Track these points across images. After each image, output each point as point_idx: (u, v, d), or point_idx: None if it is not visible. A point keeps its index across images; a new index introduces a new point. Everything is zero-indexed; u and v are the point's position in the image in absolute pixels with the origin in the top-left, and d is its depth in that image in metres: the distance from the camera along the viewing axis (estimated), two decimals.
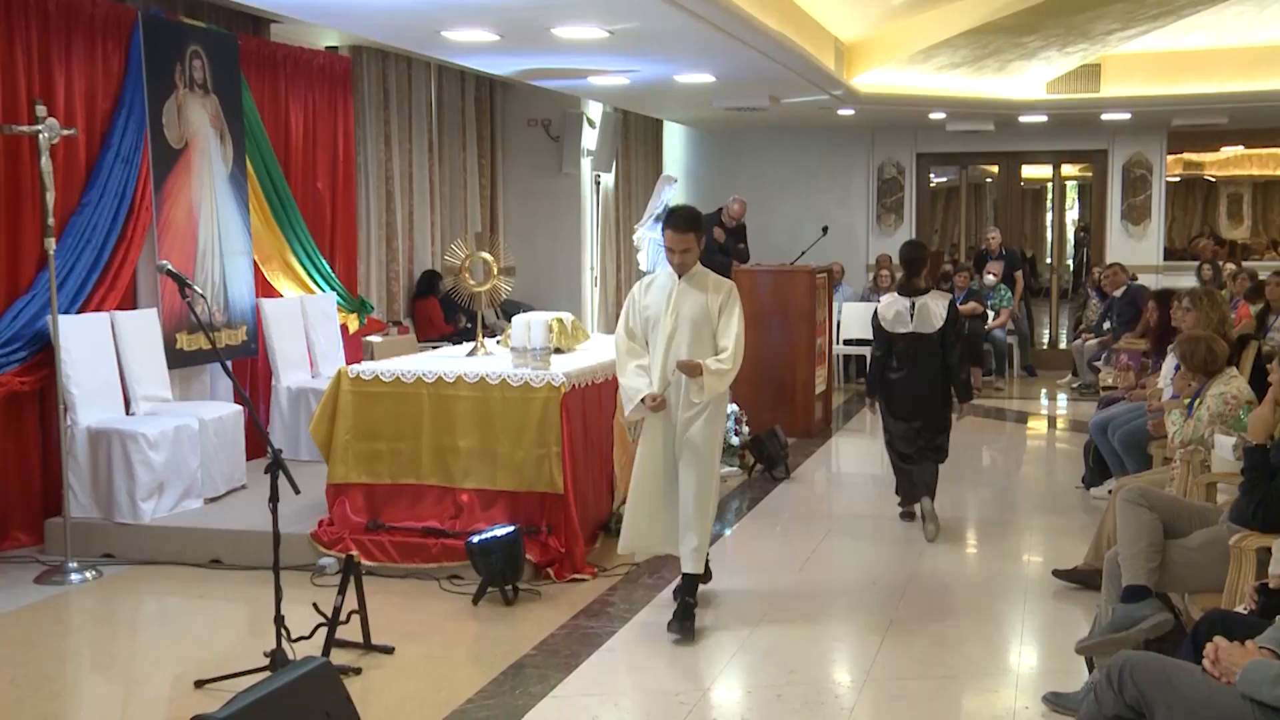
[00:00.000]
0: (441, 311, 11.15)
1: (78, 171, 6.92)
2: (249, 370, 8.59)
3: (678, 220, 5.32)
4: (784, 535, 7.26)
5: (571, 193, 12.73)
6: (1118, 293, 12.46)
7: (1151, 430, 6.71)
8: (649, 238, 11.40)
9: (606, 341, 7.61)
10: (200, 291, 6.31)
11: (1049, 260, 18.87)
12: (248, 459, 7.61)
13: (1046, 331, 16.77)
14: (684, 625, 5.22)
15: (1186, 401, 5.81)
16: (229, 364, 7.21)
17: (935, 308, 7.04)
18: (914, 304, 7.03)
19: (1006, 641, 5.35)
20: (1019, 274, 14.24)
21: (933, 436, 7.14)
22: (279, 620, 4.58)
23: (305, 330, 8.81)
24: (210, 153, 7.85)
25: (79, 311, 6.78)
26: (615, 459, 6.90)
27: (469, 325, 10.24)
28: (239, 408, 7.48)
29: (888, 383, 7.16)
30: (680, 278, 5.40)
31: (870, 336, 7.33)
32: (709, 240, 11.96)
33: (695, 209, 5.48)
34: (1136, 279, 13.07)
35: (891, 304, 7.11)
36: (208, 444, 7.10)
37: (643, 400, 5.33)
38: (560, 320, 7.30)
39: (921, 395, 7.06)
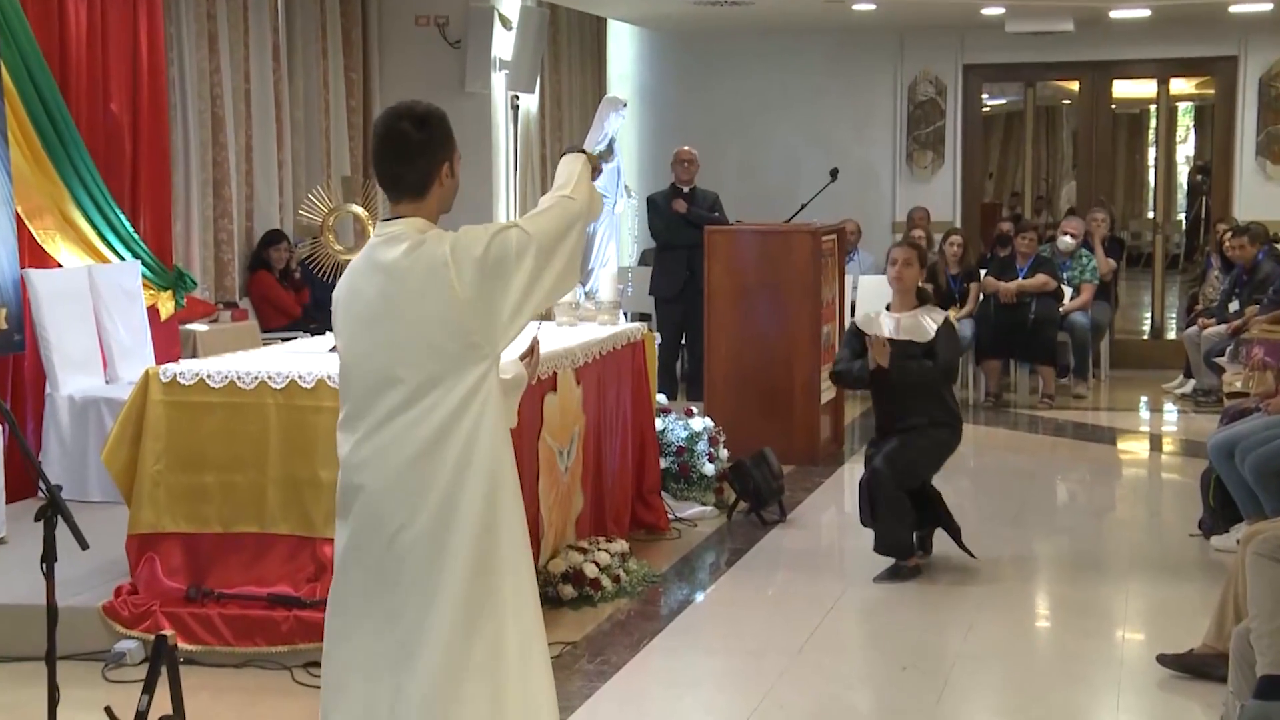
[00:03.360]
0: (282, 291, 11.08)
1: None
2: (10, 372, 8.49)
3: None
4: (778, 601, 7.25)
5: (479, 120, 12.66)
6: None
7: None
8: None
9: (528, 329, 7.56)
10: None
11: (1151, 215, 19.05)
12: (8, 501, 7.50)
13: (1147, 315, 16.91)
14: None
15: None
16: None
17: (926, 322, 7.61)
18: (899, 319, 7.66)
19: None
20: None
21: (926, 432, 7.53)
22: None
23: (95, 315, 8.71)
24: None
25: None
26: (541, 494, 6.88)
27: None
28: None
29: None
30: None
31: None
32: (670, 216, 12.07)
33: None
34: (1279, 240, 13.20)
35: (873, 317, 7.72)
36: None
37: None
38: None
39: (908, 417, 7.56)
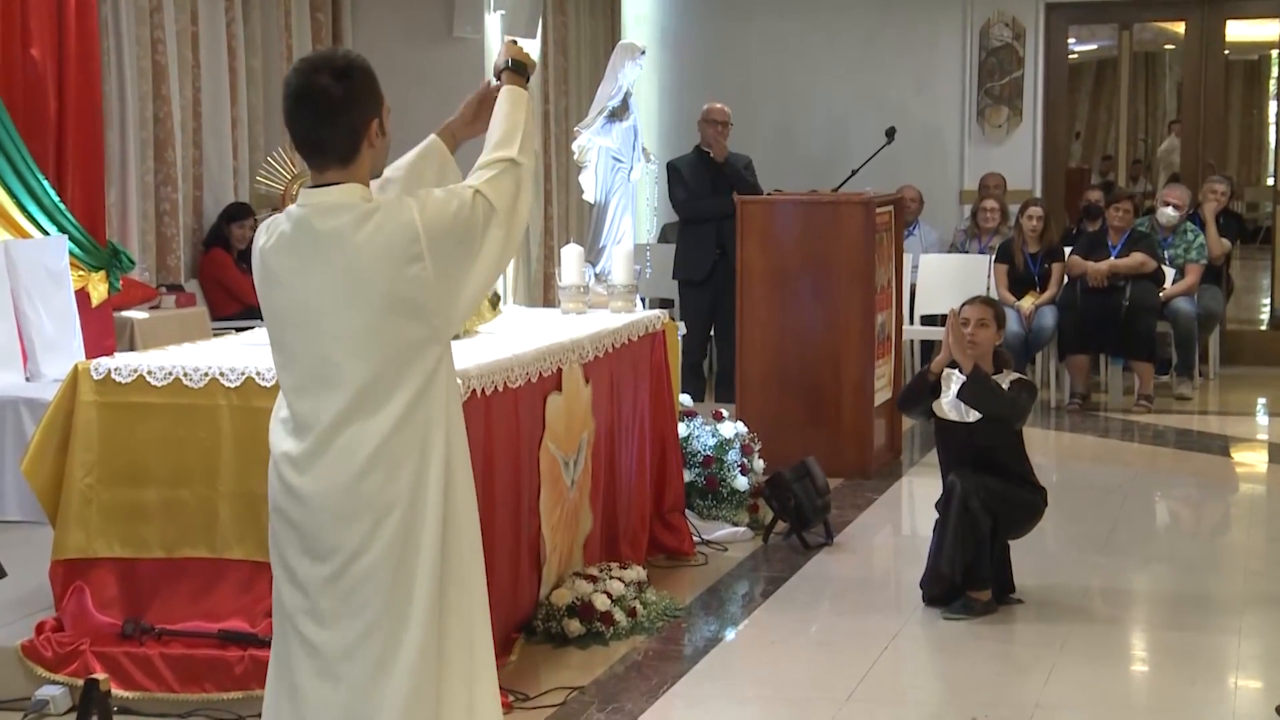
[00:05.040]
0: (238, 274, 11.13)
1: None
2: None
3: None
4: (824, 640, 7.26)
5: (469, 71, 12.67)
6: None
7: None
8: (600, 146, 11.41)
9: (527, 317, 7.58)
10: None
11: (1271, 182, 18.99)
12: None
13: (1266, 302, 16.85)
14: None
15: None
16: None
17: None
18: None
19: None
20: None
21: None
22: None
23: (14, 300, 8.75)
24: None
25: None
26: (543, 512, 6.90)
27: None
28: None
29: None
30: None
31: None
32: (696, 184, 12.10)
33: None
34: None
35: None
36: None
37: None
38: None
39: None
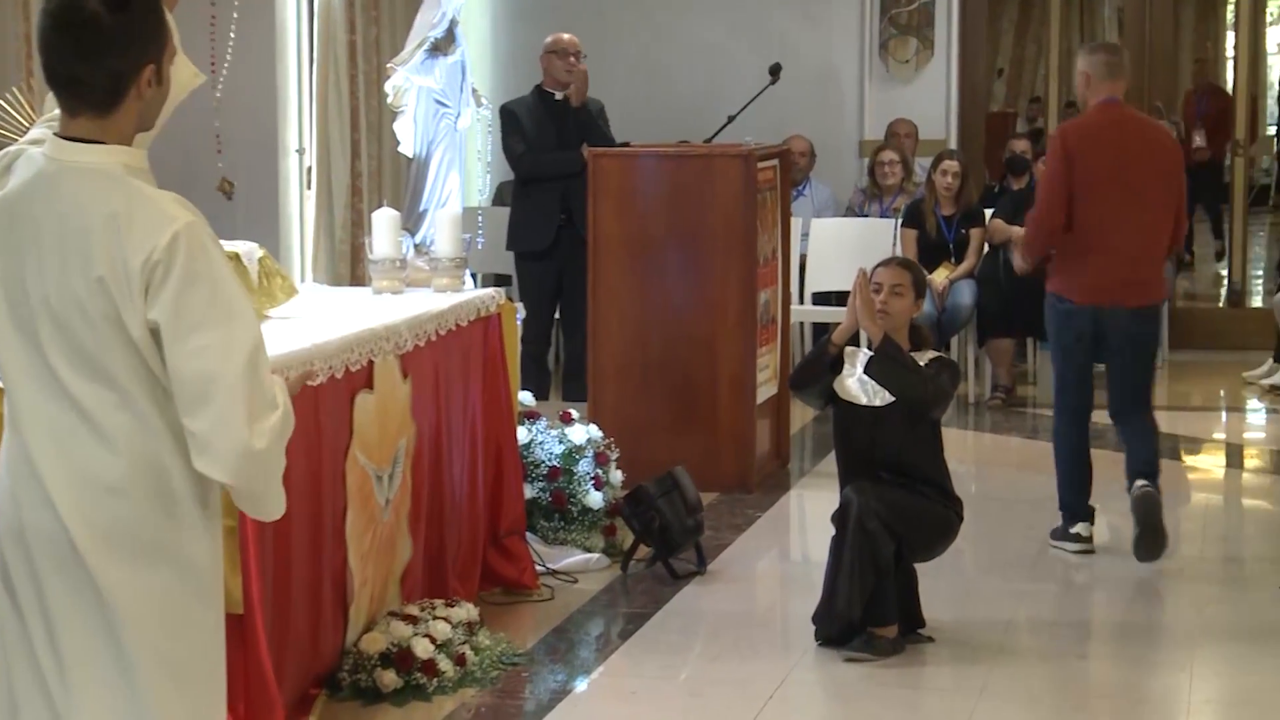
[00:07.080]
0: None
1: None
2: None
3: None
4: (695, 689, 7.29)
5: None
6: None
7: None
8: (420, 87, 11.38)
9: (330, 298, 7.54)
10: None
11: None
12: None
13: (1223, 273, 17.06)
14: None
15: None
16: None
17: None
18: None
19: None
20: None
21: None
22: None
23: None
24: None
25: None
26: (350, 538, 6.87)
27: None
28: None
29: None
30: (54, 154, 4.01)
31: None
32: (537, 132, 12.10)
33: None
34: None
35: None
36: None
37: None
38: (238, 258, 7.23)
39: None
